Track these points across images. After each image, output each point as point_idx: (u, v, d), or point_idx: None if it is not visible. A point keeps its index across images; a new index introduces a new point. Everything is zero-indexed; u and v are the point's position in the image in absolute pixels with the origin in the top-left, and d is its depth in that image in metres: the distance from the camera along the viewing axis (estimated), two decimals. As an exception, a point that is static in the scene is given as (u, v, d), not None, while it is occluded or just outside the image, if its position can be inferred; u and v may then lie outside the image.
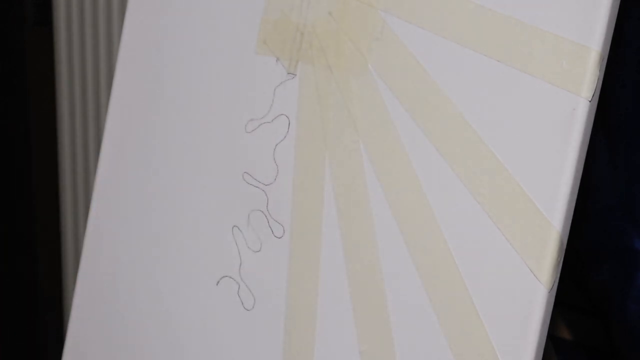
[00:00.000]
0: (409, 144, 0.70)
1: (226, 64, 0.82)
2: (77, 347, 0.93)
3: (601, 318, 0.80)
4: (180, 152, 0.85)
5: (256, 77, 0.80)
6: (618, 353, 0.79)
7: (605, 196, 0.77)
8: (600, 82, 0.63)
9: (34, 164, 1.41)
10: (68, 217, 1.45)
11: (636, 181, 0.76)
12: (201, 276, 0.82)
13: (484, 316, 0.66)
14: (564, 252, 0.64)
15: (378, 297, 0.71)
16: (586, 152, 0.64)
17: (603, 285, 0.78)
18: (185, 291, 0.84)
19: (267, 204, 0.78)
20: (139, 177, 0.88)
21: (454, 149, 0.68)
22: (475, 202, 0.66)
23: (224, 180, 0.81)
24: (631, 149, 0.76)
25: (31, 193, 1.41)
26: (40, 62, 1.39)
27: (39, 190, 1.42)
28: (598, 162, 0.76)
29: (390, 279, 0.71)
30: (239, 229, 0.80)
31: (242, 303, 0.80)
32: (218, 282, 0.81)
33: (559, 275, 0.64)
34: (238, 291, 0.80)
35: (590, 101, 0.63)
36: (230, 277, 0.80)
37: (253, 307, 0.79)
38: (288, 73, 0.78)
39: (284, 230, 0.77)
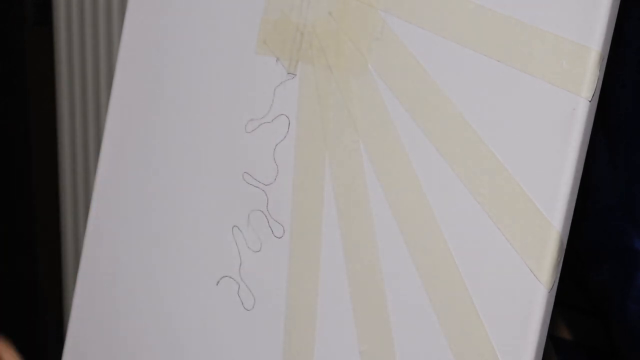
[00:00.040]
0: (409, 144, 0.70)
1: (226, 64, 0.82)
2: (77, 347, 0.93)
3: (601, 318, 0.80)
4: (180, 152, 0.85)
5: (256, 77, 0.80)
6: (618, 353, 0.79)
7: (605, 196, 0.77)
8: (600, 82, 0.63)
9: (34, 164, 1.41)
10: (68, 217, 1.45)
11: (636, 181, 0.76)
12: (201, 276, 0.82)
13: (484, 316, 0.66)
14: (564, 252, 0.64)
15: (378, 297, 0.71)
16: (586, 152, 0.64)
17: (603, 285, 0.78)
18: (185, 291, 0.84)
19: (267, 204, 0.78)
20: (139, 177, 0.88)
21: (454, 149, 0.68)
22: (475, 202, 0.66)
23: (224, 180, 0.81)
24: (631, 149, 0.76)
25: (31, 193, 1.41)
26: (40, 62, 1.39)
27: (39, 190, 1.42)
28: (598, 162, 0.76)
29: (390, 279, 0.71)
30: (239, 229, 0.80)
31: (242, 303, 0.80)
32: (218, 282, 0.81)
33: (559, 275, 0.64)
34: (238, 291, 0.80)
35: (590, 101, 0.63)
36: (230, 277, 0.80)
37: (253, 307, 0.79)
38: (288, 73, 0.78)
39: (284, 230, 0.77)
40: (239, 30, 0.82)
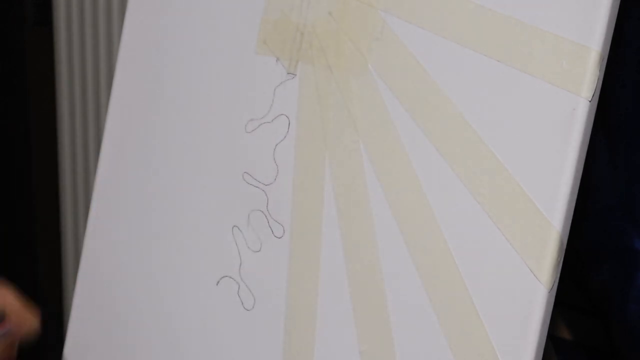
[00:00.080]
0: (409, 144, 0.70)
1: (226, 64, 0.82)
2: (77, 347, 0.93)
3: (601, 318, 0.80)
4: (180, 152, 0.85)
5: (256, 77, 0.80)
6: (618, 353, 0.79)
7: (605, 196, 0.77)
8: (600, 82, 0.63)
9: (34, 164, 1.41)
10: (68, 217, 1.45)
11: (636, 181, 0.75)
12: (201, 276, 0.82)
13: (484, 316, 0.66)
14: (564, 252, 0.64)
15: (378, 297, 0.71)
16: (586, 152, 0.64)
17: (603, 285, 0.78)
18: (185, 291, 0.84)
19: (267, 204, 0.78)
20: (139, 177, 0.88)
21: (454, 149, 0.68)
22: (475, 202, 0.66)
23: (224, 180, 0.81)
24: (631, 149, 0.76)
25: (31, 193, 1.42)
26: (40, 62, 1.39)
27: (39, 190, 1.42)
28: (598, 162, 0.76)
29: (390, 279, 0.71)
30: (239, 229, 0.80)
31: (242, 303, 0.80)
32: (218, 282, 0.81)
33: (559, 275, 0.64)
34: (238, 291, 0.80)
35: (590, 101, 0.63)
36: (230, 277, 0.80)
37: (253, 307, 0.79)
38: (288, 73, 0.78)
39: (284, 230, 0.77)
40: (239, 30, 0.82)
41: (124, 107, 0.91)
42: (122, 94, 0.91)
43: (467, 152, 0.67)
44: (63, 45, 1.39)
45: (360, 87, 0.73)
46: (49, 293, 1.45)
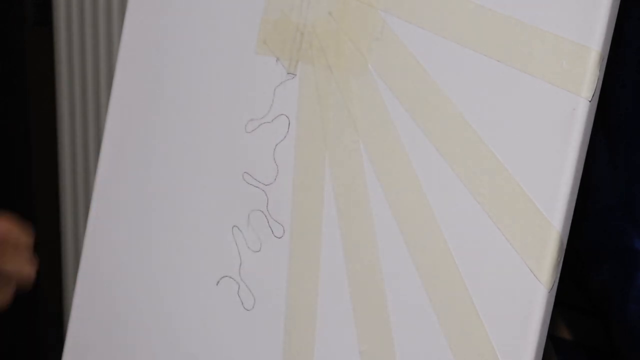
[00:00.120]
0: (409, 144, 0.70)
1: (226, 64, 0.82)
2: (77, 347, 0.93)
3: (601, 318, 0.80)
4: (180, 152, 0.85)
5: (256, 77, 0.80)
6: (618, 353, 0.79)
7: (605, 196, 0.77)
8: (600, 82, 0.63)
9: (34, 164, 1.41)
10: (68, 217, 1.45)
11: (636, 181, 0.75)
12: (201, 276, 0.82)
13: (484, 316, 0.66)
14: (564, 252, 0.64)
15: (378, 297, 0.71)
16: (586, 152, 0.64)
17: (603, 285, 0.78)
18: (185, 291, 0.84)
19: (267, 204, 0.78)
20: (139, 177, 0.88)
21: (454, 149, 0.68)
22: (475, 202, 0.66)
23: (224, 180, 0.81)
24: (631, 149, 0.76)
25: (31, 193, 1.42)
26: (40, 62, 1.39)
27: (39, 190, 1.42)
28: (598, 162, 0.76)
29: (390, 279, 0.71)
30: (239, 229, 0.80)
31: (242, 303, 0.79)
32: (218, 282, 0.81)
33: (559, 275, 0.64)
34: (238, 291, 0.80)
35: (590, 101, 0.63)
36: (230, 277, 0.80)
37: (253, 307, 0.79)
38: (288, 73, 0.78)
39: (284, 230, 0.77)
40: (239, 30, 0.82)
41: (124, 107, 0.91)
42: (122, 94, 0.91)
43: (467, 152, 0.67)
44: (63, 45, 1.39)
45: (360, 87, 0.73)
46: (49, 293, 1.45)
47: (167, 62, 0.87)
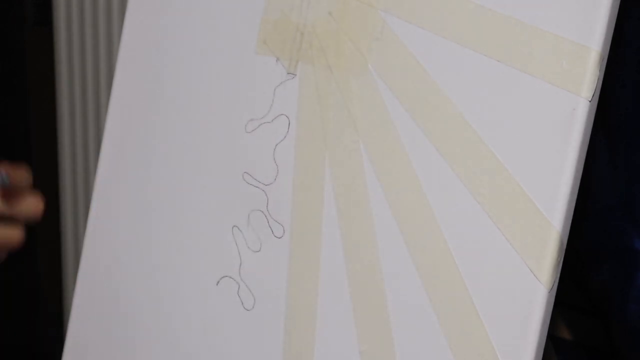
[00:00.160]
0: (409, 144, 0.70)
1: (226, 64, 0.82)
2: (77, 347, 0.93)
3: (601, 318, 0.80)
4: (180, 152, 0.85)
5: (256, 77, 0.80)
6: (618, 353, 0.79)
7: (605, 196, 0.77)
8: (600, 82, 0.63)
9: (34, 164, 1.41)
10: (68, 217, 1.45)
11: (636, 181, 0.75)
12: (201, 276, 0.82)
13: (484, 316, 0.66)
14: (564, 252, 0.64)
15: (378, 297, 0.71)
16: (586, 152, 0.64)
17: (603, 285, 0.78)
18: (185, 291, 0.84)
19: (267, 204, 0.78)
20: (139, 177, 0.88)
21: (454, 149, 0.68)
22: (475, 202, 0.66)
23: (224, 180, 0.81)
24: (631, 149, 0.76)
25: (31, 193, 1.41)
26: (40, 62, 1.39)
27: (39, 190, 1.42)
28: (598, 162, 0.76)
29: (390, 279, 0.71)
30: (239, 229, 0.80)
31: (242, 303, 0.80)
32: (218, 282, 0.81)
33: (559, 275, 0.64)
34: (238, 291, 0.80)
35: (590, 101, 0.63)
36: (230, 277, 0.80)
37: (253, 307, 0.79)
38: (288, 73, 0.78)
39: (284, 230, 0.77)
40: (239, 30, 0.82)
41: (124, 107, 0.91)
42: (122, 94, 0.91)
43: (467, 152, 0.67)
44: (63, 45, 1.39)
45: (360, 87, 0.73)
46: (49, 293, 1.45)
47: (167, 62, 0.87)
